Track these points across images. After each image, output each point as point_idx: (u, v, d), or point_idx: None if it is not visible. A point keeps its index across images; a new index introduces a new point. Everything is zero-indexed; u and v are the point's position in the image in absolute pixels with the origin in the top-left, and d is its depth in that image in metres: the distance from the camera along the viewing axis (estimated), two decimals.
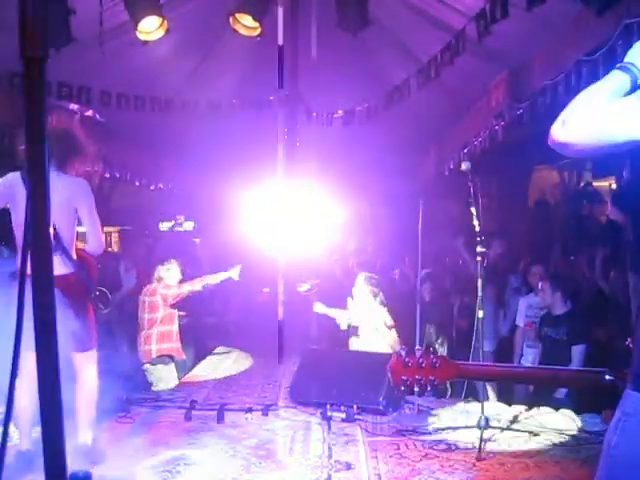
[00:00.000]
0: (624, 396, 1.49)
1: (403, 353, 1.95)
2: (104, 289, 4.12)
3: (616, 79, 1.46)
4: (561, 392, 4.63)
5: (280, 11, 6.18)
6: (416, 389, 1.94)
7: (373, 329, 5.60)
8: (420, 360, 1.92)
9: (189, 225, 13.14)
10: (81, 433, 3.42)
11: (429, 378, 1.91)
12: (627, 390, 1.48)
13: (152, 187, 10.33)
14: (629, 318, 4.56)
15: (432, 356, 1.93)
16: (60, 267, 3.26)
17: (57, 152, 3.35)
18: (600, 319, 5.05)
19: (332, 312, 5.87)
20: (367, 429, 4.12)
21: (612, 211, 2.98)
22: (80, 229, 3.61)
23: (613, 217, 3.12)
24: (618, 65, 1.49)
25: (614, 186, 8.05)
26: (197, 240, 10.89)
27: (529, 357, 5.32)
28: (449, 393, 5.28)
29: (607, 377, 1.72)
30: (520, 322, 5.50)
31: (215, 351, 7.38)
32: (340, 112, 7.81)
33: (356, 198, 11.71)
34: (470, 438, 3.90)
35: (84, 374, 3.48)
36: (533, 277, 5.48)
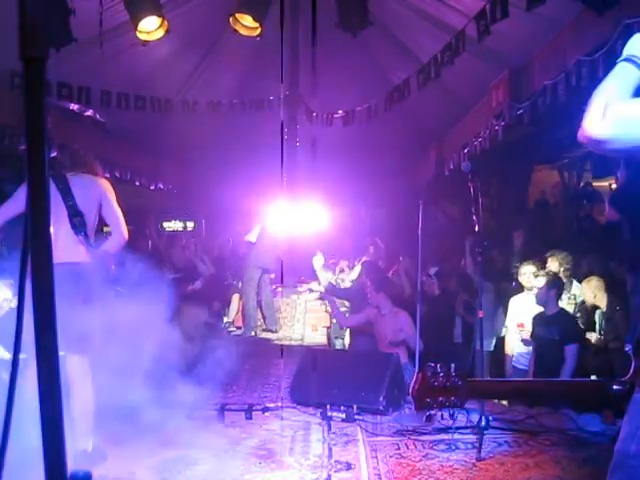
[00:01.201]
0: (634, 402, 1.43)
1: (429, 374, 1.87)
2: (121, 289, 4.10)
3: (629, 72, 1.41)
4: None
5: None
6: (439, 413, 1.89)
7: None
8: (443, 380, 1.86)
9: (189, 225, 13.15)
10: (80, 441, 3.32)
11: (451, 399, 1.85)
12: (638, 395, 1.43)
13: (152, 187, 10.34)
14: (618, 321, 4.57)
15: (454, 375, 1.86)
16: (79, 254, 3.37)
17: (82, 158, 3.67)
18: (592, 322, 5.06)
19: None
20: (367, 429, 4.12)
21: (609, 212, 2.98)
22: None
23: (609, 218, 3.11)
24: (625, 57, 1.43)
25: (614, 186, 8.06)
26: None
27: (520, 357, 5.31)
28: None
29: (615, 387, 1.69)
30: (511, 322, 5.50)
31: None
32: (340, 112, 7.81)
33: (356, 198, 11.73)
34: (470, 438, 3.90)
35: (80, 379, 3.37)
36: (524, 277, 5.46)
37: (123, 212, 3.74)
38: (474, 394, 1.91)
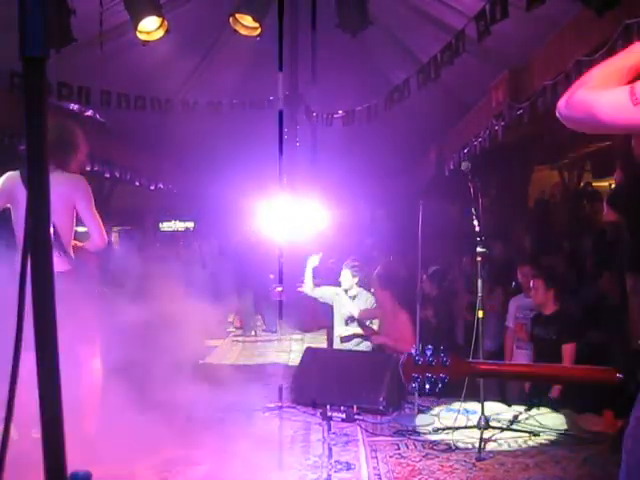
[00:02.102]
0: (638, 401, 1.46)
1: (414, 351, 1.99)
2: (105, 289, 4.14)
3: (636, 53, 1.42)
4: (555, 392, 4.62)
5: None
6: (427, 386, 1.98)
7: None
8: (431, 358, 1.95)
9: (189, 225, 13.16)
10: (85, 424, 3.44)
11: (440, 376, 1.94)
12: None
13: (152, 187, 10.35)
14: (624, 319, 4.58)
15: (442, 354, 1.96)
16: (58, 264, 3.24)
17: (55, 149, 3.33)
18: (595, 320, 5.05)
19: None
20: (367, 429, 4.13)
21: (607, 212, 2.98)
22: (80, 229, 3.63)
23: (607, 218, 3.10)
24: None
25: (614, 186, 8.06)
26: None
27: (519, 358, 5.30)
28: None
29: (618, 375, 1.71)
30: (510, 323, 5.49)
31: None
32: (340, 112, 7.80)
33: (356, 198, 11.74)
34: (470, 438, 3.91)
35: (85, 367, 3.49)
36: (523, 277, 5.45)
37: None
38: (465, 372, 2.00)
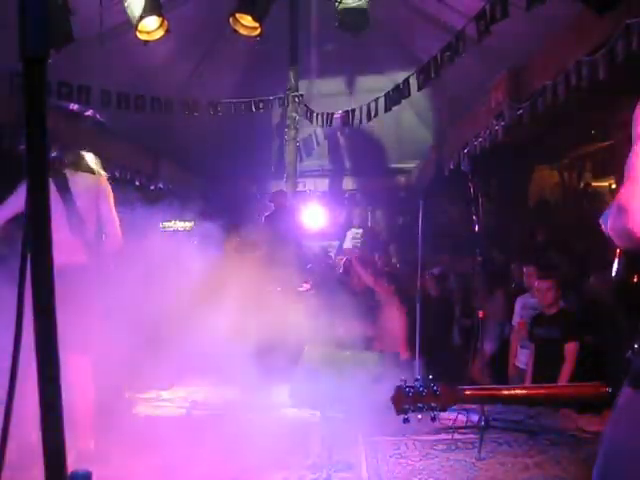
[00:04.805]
0: (620, 395, 1.50)
1: (403, 384, 2.02)
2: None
3: None
4: None
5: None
6: (419, 417, 2.00)
7: None
8: (421, 389, 1.98)
9: (189, 225, 13.15)
10: (82, 440, 3.37)
11: (431, 405, 1.96)
12: (623, 387, 1.50)
13: (152, 187, 10.34)
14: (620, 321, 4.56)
15: (432, 384, 1.98)
16: (77, 253, 3.35)
17: (84, 156, 3.69)
18: (592, 321, 5.04)
19: None
20: (367, 429, 4.12)
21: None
22: None
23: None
24: None
25: (614, 186, 8.06)
26: None
27: (522, 357, 5.30)
28: None
29: (608, 390, 1.74)
30: (515, 322, 5.50)
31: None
32: (340, 112, 7.81)
33: (356, 198, 11.74)
34: (470, 438, 3.90)
35: (79, 378, 3.39)
36: (528, 277, 5.45)
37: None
38: (457, 399, 2.03)
